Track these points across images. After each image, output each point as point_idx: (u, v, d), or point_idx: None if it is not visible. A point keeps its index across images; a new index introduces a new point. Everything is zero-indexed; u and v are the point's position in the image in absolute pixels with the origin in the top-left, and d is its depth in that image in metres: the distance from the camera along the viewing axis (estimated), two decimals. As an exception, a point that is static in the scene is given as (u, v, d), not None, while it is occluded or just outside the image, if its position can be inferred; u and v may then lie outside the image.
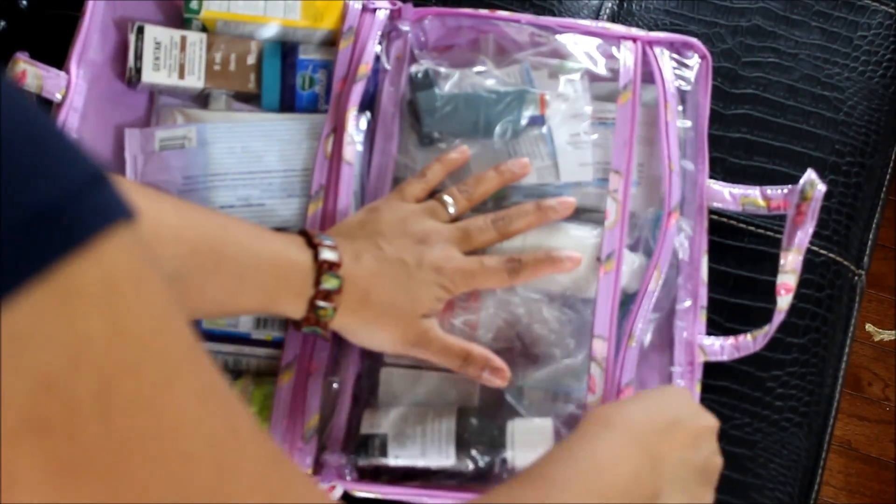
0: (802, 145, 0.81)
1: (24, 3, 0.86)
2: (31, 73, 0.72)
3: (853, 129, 0.82)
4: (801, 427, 0.75)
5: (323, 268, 0.63)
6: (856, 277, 0.80)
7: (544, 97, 0.72)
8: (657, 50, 0.74)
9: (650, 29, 0.79)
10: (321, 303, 0.63)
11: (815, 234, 0.79)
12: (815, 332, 0.76)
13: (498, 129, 0.71)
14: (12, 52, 0.77)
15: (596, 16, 0.83)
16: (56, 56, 0.73)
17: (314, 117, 0.73)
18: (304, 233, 0.66)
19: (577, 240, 0.70)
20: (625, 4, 0.85)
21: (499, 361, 0.66)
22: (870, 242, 0.81)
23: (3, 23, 0.85)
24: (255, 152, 0.72)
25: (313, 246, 0.64)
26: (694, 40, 0.76)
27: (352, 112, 0.71)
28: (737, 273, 0.76)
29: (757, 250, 0.76)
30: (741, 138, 0.80)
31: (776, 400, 0.75)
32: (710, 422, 0.61)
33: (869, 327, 1.41)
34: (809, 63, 0.83)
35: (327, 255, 0.63)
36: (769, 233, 0.77)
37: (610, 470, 0.55)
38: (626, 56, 0.74)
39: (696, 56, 0.76)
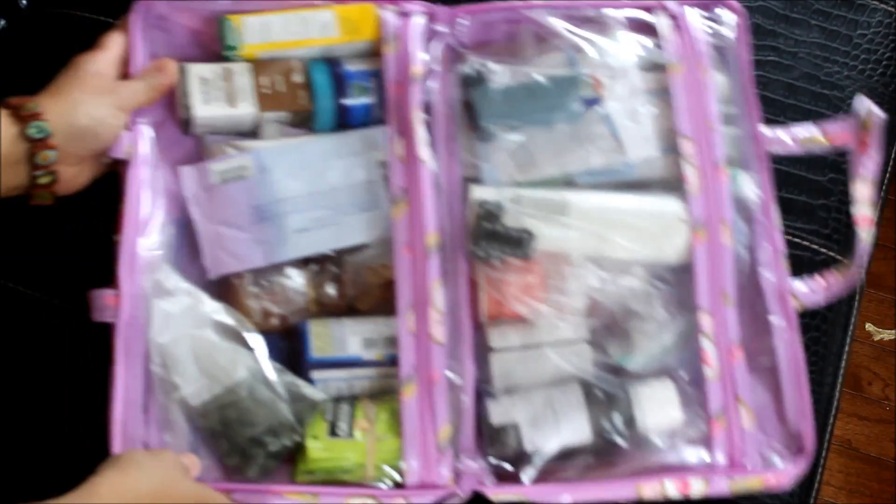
0: (802, 144, 0.80)
1: (24, 2, 0.86)
2: None
3: (853, 128, 0.82)
4: (801, 425, 0.75)
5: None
6: (855, 276, 0.80)
7: (598, 78, 0.72)
8: (688, 10, 0.75)
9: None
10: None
11: (815, 233, 0.79)
12: (814, 330, 0.76)
13: (556, 115, 0.72)
14: (12, 51, 0.78)
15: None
16: (56, 54, 0.73)
17: (367, 131, 0.73)
18: None
19: (653, 205, 0.71)
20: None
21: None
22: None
23: (3, 22, 0.85)
24: (317, 171, 0.72)
25: None
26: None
27: (417, 112, 0.71)
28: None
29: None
30: (741, 137, 0.80)
31: (776, 398, 0.75)
32: None
33: (869, 327, 1.41)
34: (809, 61, 0.83)
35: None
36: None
37: None
38: (665, 27, 0.74)
39: (732, 13, 0.76)
